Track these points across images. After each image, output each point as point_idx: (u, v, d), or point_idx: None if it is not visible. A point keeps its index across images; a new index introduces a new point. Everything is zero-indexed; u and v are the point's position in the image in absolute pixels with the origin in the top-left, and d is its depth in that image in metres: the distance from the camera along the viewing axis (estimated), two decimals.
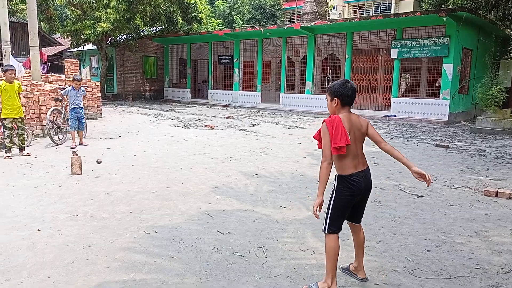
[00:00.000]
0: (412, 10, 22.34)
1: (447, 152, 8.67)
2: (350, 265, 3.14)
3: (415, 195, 5.36)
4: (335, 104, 2.87)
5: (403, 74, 16.23)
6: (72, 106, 8.66)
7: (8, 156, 7.27)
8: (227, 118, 15.15)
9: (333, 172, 2.85)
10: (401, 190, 5.58)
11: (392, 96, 16.04)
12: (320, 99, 18.18)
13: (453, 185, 5.91)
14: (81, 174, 6.15)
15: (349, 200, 2.84)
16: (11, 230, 3.94)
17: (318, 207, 2.79)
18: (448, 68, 14.37)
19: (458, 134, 11.63)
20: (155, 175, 6.22)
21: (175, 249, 3.56)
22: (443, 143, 9.69)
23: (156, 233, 3.94)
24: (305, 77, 18.93)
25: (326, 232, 2.88)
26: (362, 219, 3.07)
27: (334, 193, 2.87)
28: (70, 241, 3.69)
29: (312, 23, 17.28)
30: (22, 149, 7.68)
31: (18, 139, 7.67)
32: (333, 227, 2.85)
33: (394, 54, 15.63)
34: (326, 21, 17.06)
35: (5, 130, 7.49)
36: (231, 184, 5.79)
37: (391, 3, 28.47)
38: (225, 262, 3.33)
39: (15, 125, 7.61)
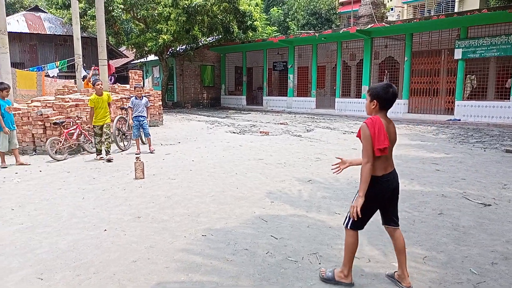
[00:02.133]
0: (477, 8, 20.99)
1: None
2: (395, 272, 3.08)
3: (481, 203, 5.03)
4: (373, 106, 2.89)
5: (468, 76, 15.30)
6: (135, 114, 9.03)
7: (101, 157, 8.13)
8: (281, 124, 15.20)
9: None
10: (466, 198, 5.26)
11: (456, 99, 15.18)
12: None
13: None
14: (143, 178, 6.50)
15: (373, 201, 2.88)
16: (81, 229, 4.27)
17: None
18: None
19: None
20: (211, 179, 6.41)
21: (230, 252, 3.65)
22: None
23: (212, 235, 4.06)
24: (361, 81, 18.50)
25: (346, 227, 2.99)
26: (399, 223, 3.06)
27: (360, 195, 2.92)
28: (133, 241, 3.92)
29: (369, 26, 16.88)
30: (107, 153, 8.20)
31: (103, 144, 8.21)
32: (354, 226, 2.95)
33: (458, 54, 14.81)
34: (384, 23, 16.57)
35: (95, 137, 8.30)
36: (285, 189, 5.82)
37: (454, 1, 27.01)
38: (278, 267, 3.36)
39: (102, 131, 8.26)
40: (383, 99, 2.84)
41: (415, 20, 15.51)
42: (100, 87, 8.11)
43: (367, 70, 18.05)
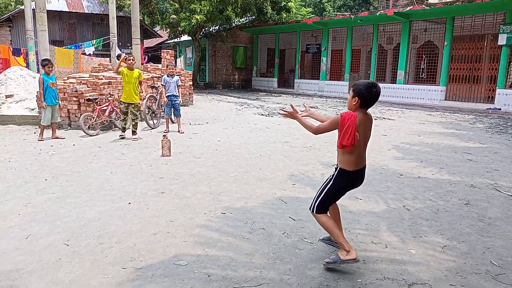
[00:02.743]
0: None
1: None
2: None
3: None
4: (355, 103, 2.91)
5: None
6: (167, 94, 8.96)
7: (122, 136, 8.21)
8: (311, 107, 15.01)
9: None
10: (496, 190, 5.06)
11: (497, 87, 14.44)
12: (413, 89, 17.11)
13: None
14: (170, 156, 6.66)
15: (344, 191, 3.13)
16: (108, 201, 4.45)
17: (288, 113, 3.28)
18: None
19: None
20: (235, 160, 6.48)
21: (247, 230, 3.71)
22: None
23: (231, 214, 4.13)
24: (397, 66, 17.92)
25: (314, 212, 3.12)
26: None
27: (332, 182, 3.07)
28: (155, 215, 4.06)
29: (408, 8, 16.23)
30: (133, 133, 8.22)
31: (131, 124, 8.25)
32: (321, 210, 3.10)
33: (502, 40, 14.02)
34: (424, 6, 15.87)
35: (121, 114, 8.37)
36: (308, 172, 5.80)
37: None
38: (293, 247, 3.38)
39: (129, 111, 8.21)
40: (365, 98, 2.89)
41: (457, 3, 14.75)
42: (131, 62, 8.08)
43: (404, 54, 17.44)
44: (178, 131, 9.01)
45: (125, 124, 8.34)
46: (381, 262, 3.15)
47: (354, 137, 2.82)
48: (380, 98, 12.53)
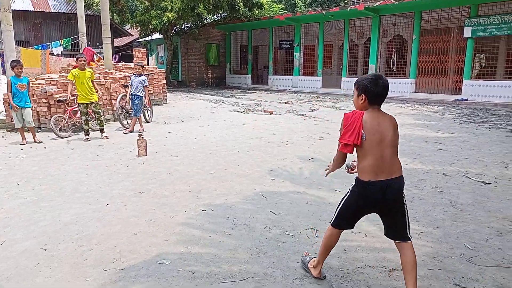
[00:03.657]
0: None
1: None
2: None
3: (481, 182, 5.03)
4: (362, 101, 2.49)
5: (477, 55, 15.05)
6: (130, 92, 8.85)
7: (87, 139, 7.94)
8: (286, 103, 15.15)
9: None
10: (466, 177, 5.26)
11: (464, 79, 14.97)
12: None
13: None
14: (146, 155, 6.56)
15: (357, 207, 2.56)
16: (84, 204, 4.36)
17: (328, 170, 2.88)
18: None
19: None
20: (213, 157, 6.46)
21: (229, 226, 3.72)
22: None
23: (212, 211, 4.13)
24: (369, 60, 18.27)
25: (330, 222, 2.73)
26: (409, 237, 2.53)
27: (348, 193, 2.62)
28: (134, 215, 4.00)
29: (377, 3, 16.55)
30: (101, 131, 8.21)
31: (96, 123, 8.23)
32: (336, 223, 2.68)
33: (467, 33, 14.53)
34: (392, 0, 16.22)
35: (81, 116, 8.15)
36: (286, 167, 5.85)
37: None
38: (276, 241, 3.42)
39: (90, 110, 8.20)
40: (372, 93, 2.46)
41: None
42: (83, 63, 7.90)
43: (374, 48, 17.80)
44: (125, 128, 8.90)
45: (88, 126, 8.09)
46: (361, 251, 3.23)
47: (357, 135, 2.40)
48: (352, 92, 12.60)
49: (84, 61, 8.03)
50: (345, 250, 3.24)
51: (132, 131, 8.77)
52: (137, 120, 9.00)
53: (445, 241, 3.37)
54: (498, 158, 6.30)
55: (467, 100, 14.50)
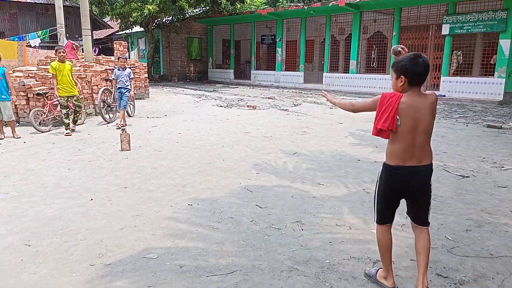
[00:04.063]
0: None
1: (499, 133, 8.23)
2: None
3: (460, 175, 5.20)
4: (401, 83, 2.38)
5: (454, 52, 15.40)
6: (118, 86, 8.76)
7: (68, 133, 7.76)
8: (269, 98, 15.19)
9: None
10: (446, 171, 5.42)
11: (441, 75, 15.32)
12: (365, 78, 17.72)
13: (502, 167, 5.65)
14: (129, 150, 6.50)
15: (388, 193, 2.52)
16: (68, 199, 4.29)
17: (326, 96, 3.04)
18: (504, 44, 13.46)
19: None
20: (198, 152, 6.45)
21: (215, 220, 3.73)
22: (496, 123, 9.19)
23: (198, 205, 4.13)
24: (350, 56, 18.46)
25: (375, 222, 2.67)
26: (427, 221, 2.59)
27: (378, 182, 2.60)
28: (119, 210, 3.97)
29: (358, 0, 16.70)
30: (74, 122, 8.03)
31: (74, 115, 8.04)
32: (378, 219, 2.63)
33: (445, 30, 14.85)
34: None
35: (61, 109, 7.96)
36: (271, 161, 5.89)
37: None
38: (262, 234, 3.46)
39: (71, 104, 8.02)
40: (412, 73, 2.33)
41: None
42: (62, 54, 7.76)
43: (355, 44, 17.99)
44: (117, 124, 8.74)
45: (68, 120, 7.91)
46: (346, 243, 3.30)
47: (392, 121, 2.33)
48: (333, 88, 12.89)
49: (64, 52, 7.86)
50: (330, 242, 3.30)
51: (125, 124, 8.60)
52: (121, 113, 8.88)
53: None
54: (475, 153, 6.50)
55: (445, 96, 14.85)
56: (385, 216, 2.61)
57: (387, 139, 2.51)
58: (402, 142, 2.38)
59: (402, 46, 2.86)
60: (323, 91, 2.89)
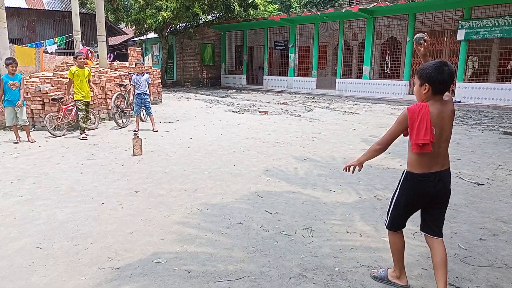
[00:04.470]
0: None
1: None
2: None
3: (474, 183, 5.09)
4: (425, 91, 2.36)
5: (470, 57, 15.18)
6: (137, 92, 8.82)
7: (84, 137, 7.89)
8: (281, 104, 15.18)
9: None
10: (460, 178, 5.32)
11: (457, 81, 15.08)
12: (378, 84, 17.59)
13: None
14: (141, 154, 6.55)
15: (412, 202, 2.54)
16: (80, 202, 4.34)
17: (352, 166, 2.69)
18: None
19: None
20: (209, 157, 6.46)
21: (225, 226, 3.73)
22: None
23: (208, 210, 4.14)
24: (363, 62, 18.36)
25: (386, 227, 2.70)
26: (442, 233, 2.60)
27: (398, 189, 2.57)
28: (130, 214, 4.00)
29: (372, 5, 16.63)
30: (83, 130, 8.12)
31: (83, 121, 8.12)
32: (392, 226, 2.64)
33: (460, 35, 14.66)
34: (387, 2, 16.32)
35: (79, 113, 8.08)
36: (282, 167, 5.87)
37: None
38: (271, 240, 3.43)
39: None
40: (437, 81, 2.31)
41: (419, 0, 15.27)
42: (82, 60, 7.94)
43: (369, 50, 17.89)
44: (152, 130, 8.86)
45: (85, 124, 8.07)
46: (356, 250, 3.25)
47: (431, 132, 2.29)
48: (346, 93, 12.80)
49: (83, 59, 8.03)
50: (340, 249, 3.26)
51: (157, 130, 8.84)
52: (136, 119, 8.99)
53: None
54: (491, 160, 6.37)
55: (460, 102, 14.63)
56: (400, 224, 2.64)
57: (408, 148, 2.51)
58: (432, 151, 2.37)
59: (425, 34, 2.77)
60: (346, 166, 2.73)
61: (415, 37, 2.73)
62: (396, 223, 2.63)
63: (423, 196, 2.48)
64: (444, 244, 2.58)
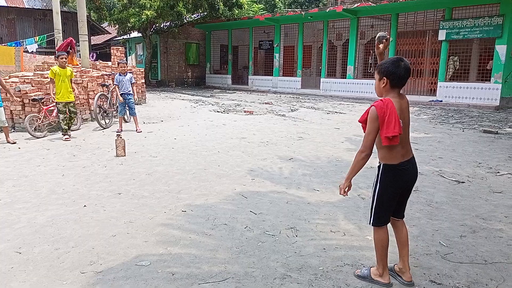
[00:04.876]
0: None
1: (495, 139, 8.24)
2: (395, 265, 2.84)
3: (455, 181, 5.19)
4: (383, 85, 2.56)
5: (451, 57, 15.45)
6: (121, 92, 8.73)
7: (67, 138, 7.77)
8: (266, 103, 15.20)
9: (372, 159, 2.71)
10: (441, 176, 5.41)
11: (438, 80, 15.35)
12: (362, 83, 17.76)
13: (498, 172, 5.64)
14: (124, 155, 6.47)
15: (395, 192, 2.63)
16: (61, 205, 4.26)
17: (344, 189, 2.66)
18: (500, 49, 13.51)
19: (509, 120, 10.98)
20: (193, 157, 6.42)
21: (209, 227, 3.71)
22: (492, 129, 9.20)
23: (192, 211, 4.11)
24: (347, 62, 18.51)
25: (372, 225, 2.73)
26: (404, 214, 2.82)
27: (378, 185, 2.63)
28: (112, 217, 3.94)
29: (355, 5, 16.78)
30: (66, 131, 7.94)
31: (69, 122, 8.01)
32: (379, 221, 2.69)
33: (442, 35, 14.89)
34: (370, 3, 16.48)
35: (59, 114, 7.94)
36: (266, 167, 5.88)
37: None
38: (256, 241, 3.43)
39: (67, 110, 7.99)
40: (394, 75, 2.50)
41: (401, 0, 15.48)
42: (64, 60, 7.81)
43: (352, 50, 18.04)
44: (136, 130, 8.76)
45: (66, 125, 7.91)
46: (340, 249, 3.28)
47: (399, 125, 2.44)
48: (330, 93, 12.87)
49: (65, 59, 7.89)
50: (324, 249, 3.28)
51: (141, 131, 8.76)
52: (119, 119, 8.89)
53: (421, 239, 3.46)
54: (471, 158, 6.50)
55: (441, 101, 14.88)
56: (386, 217, 2.71)
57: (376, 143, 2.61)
58: (400, 142, 2.52)
59: (386, 33, 2.89)
60: (341, 192, 2.68)
61: (377, 35, 2.81)
62: (382, 218, 2.69)
63: (404, 184, 2.63)
64: (405, 223, 2.84)
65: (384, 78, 2.55)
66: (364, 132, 2.61)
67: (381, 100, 2.51)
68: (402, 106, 2.55)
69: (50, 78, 7.83)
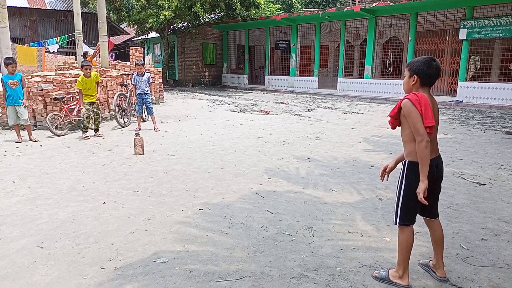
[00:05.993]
0: None
1: None
2: (430, 261, 2.87)
3: (476, 183, 5.08)
4: (413, 82, 2.59)
5: (472, 57, 15.16)
6: (138, 92, 8.87)
7: (87, 136, 7.94)
8: (282, 103, 15.17)
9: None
10: (462, 178, 5.31)
11: (458, 80, 15.06)
12: (380, 83, 17.55)
13: None
14: (143, 154, 6.55)
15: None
16: (81, 202, 4.35)
17: (425, 192, 2.51)
18: None
19: None
20: (210, 156, 6.46)
21: (226, 225, 3.73)
22: None
23: (209, 210, 4.13)
24: (364, 61, 18.33)
25: (397, 224, 2.68)
26: (438, 213, 2.78)
27: (404, 182, 2.61)
28: (131, 214, 4.00)
29: (374, 5, 16.60)
30: (96, 130, 8.34)
31: (94, 123, 8.25)
32: (406, 220, 2.64)
33: (462, 35, 14.61)
34: (389, 2, 16.29)
35: (84, 113, 8.13)
36: (283, 167, 5.87)
37: None
38: (272, 240, 3.43)
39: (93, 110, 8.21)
40: (425, 74, 2.54)
41: None
42: (88, 71, 7.99)
43: (370, 50, 17.86)
44: (154, 129, 8.86)
45: (88, 124, 8.10)
46: (358, 250, 3.25)
47: (433, 116, 2.46)
48: (347, 93, 12.81)
49: (90, 69, 8.07)
50: (341, 249, 3.25)
51: (159, 130, 8.87)
52: (137, 118, 9.01)
53: None
54: (492, 160, 6.36)
55: (461, 101, 14.60)
56: (412, 216, 2.67)
57: (403, 140, 2.69)
58: (430, 138, 2.51)
59: None
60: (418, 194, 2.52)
61: None
62: (408, 216, 2.65)
63: (430, 182, 2.54)
64: (440, 222, 2.82)
65: (415, 76, 2.58)
66: (392, 128, 2.74)
67: (414, 93, 2.53)
68: (434, 103, 2.59)
69: (79, 88, 8.07)
